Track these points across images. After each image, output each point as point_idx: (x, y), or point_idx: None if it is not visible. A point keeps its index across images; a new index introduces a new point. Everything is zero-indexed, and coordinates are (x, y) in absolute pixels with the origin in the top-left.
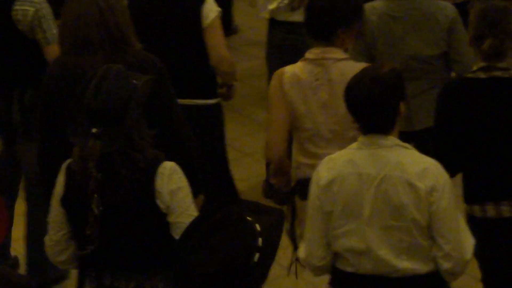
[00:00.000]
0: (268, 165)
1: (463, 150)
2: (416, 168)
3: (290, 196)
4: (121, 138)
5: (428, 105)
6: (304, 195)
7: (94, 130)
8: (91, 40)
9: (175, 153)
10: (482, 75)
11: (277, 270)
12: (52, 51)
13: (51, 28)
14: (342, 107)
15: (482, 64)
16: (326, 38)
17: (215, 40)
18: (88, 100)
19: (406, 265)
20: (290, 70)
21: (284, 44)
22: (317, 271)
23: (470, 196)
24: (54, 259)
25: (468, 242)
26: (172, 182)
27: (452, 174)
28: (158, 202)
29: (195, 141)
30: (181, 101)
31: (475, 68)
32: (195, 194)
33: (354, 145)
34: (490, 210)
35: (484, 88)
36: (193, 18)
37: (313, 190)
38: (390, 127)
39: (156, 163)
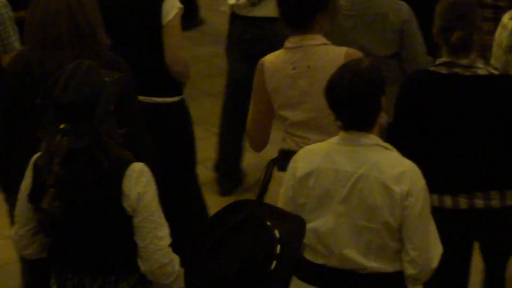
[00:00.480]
0: None
1: (422, 141)
2: (393, 171)
3: (268, 165)
4: (89, 135)
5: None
6: (283, 167)
7: (62, 126)
8: (61, 37)
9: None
10: (443, 70)
11: None
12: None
13: (10, 36)
14: (321, 95)
15: (445, 59)
16: (305, 25)
17: (172, 40)
18: (56, 94)
19: (374, 264)
20: (269, 59)
21: (243, 38)
22: None
23: (429, 186)
24: (21, 252)
25: (436, 251)
26: (139, 185)
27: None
28: (125, 204)
29: (151, 145)
30: (141, 98)
31: (438, 62)
32: None
33: (335, 139)
34: (447, 201)
35: (444, 83)
36: (154, 14)
37: (288, 179)
38: (371, 123)
39: (125, 164)
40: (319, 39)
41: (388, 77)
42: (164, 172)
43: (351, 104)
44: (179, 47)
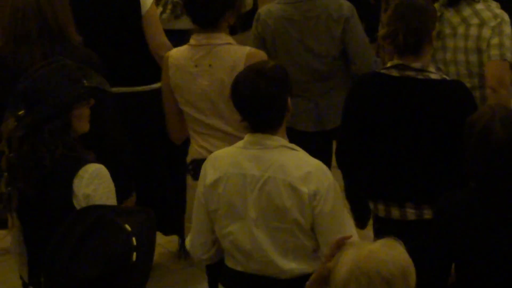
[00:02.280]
0: None
1: (367, 146)
2: (299, 171)
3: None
4: (27, 127)
5: (336, 103)
6: (196, 176)
7: (20, 112)
8: (30, 33)
9: (105, 153)
10: (395, 73)
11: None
12: None
13: None
14: (221, 93)
15: (396, 61)
16: (213, 23)
17: (153, 28)
18: (20, 80)
19: (293, 265)
20: (174, 55)
21: None
22: (203, 262)
23: (374, 193)
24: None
25: None
26: (89, 187)
27: (349, 170)
28: (75, 203)
29: (127, 143)
30: (123, 89)
31: (389, 64)
32: (127, 193)
33: (241, 143)
34: (394, 212)
35: (395, 86)
36: (133, 6)
37: (199, 187)
38: (278, 124)
39: (79, 164)
40: (224, 38)
41: (340, 77)
42: (145, 157)
43: (254, 103)
44: (161, 33)
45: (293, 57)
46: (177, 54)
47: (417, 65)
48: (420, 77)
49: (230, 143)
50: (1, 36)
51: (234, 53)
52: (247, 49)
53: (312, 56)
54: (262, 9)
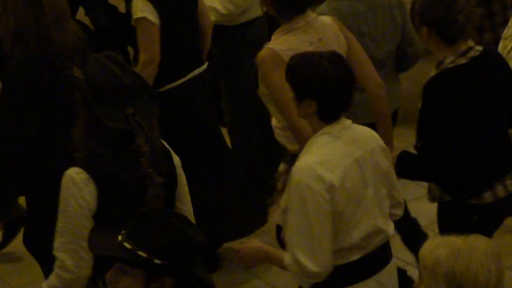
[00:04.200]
0: None
1: (456, 143)
2: (375, 133)
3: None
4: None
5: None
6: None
7: (129, 110)
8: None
9: None
10: (462, 60)
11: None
12: None
13: None
14: None
15: (455, 51)
16: (310, 4)
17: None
18: (117, 78)
19: (391, 226)
20: (282, 47)
21: None
22: (323, 277)
23: (468, 187)
24: None
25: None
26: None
27: (445, 171)
28: None
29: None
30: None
31: (448, 60)
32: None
33: (326, 138)
34: (499, 190)
35: (469, 71)
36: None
37: (319, 198)
38: None
39: None
40: (312, 13)
41: (389, 66)
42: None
43: (351, 88)
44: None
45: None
46: (283, 45)
47: (471, 43)
48: (476, 53)
49: None
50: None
51: (325, 22)
52: (326, 17)
53: (376, 46)
54: (326, 9)
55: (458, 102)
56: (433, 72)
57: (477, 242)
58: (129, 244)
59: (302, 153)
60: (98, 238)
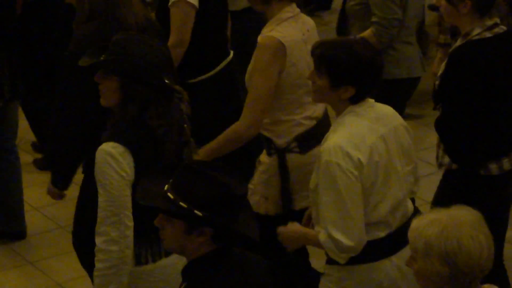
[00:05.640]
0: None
1: (471, 112)
2: (395, 111)
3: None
4: None
5: None
6: (305, 148)
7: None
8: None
9: None
10: (488, 34)
11: None
12: None
13: None
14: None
15: (483, 24)
16: None
17: None
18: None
19: (410, 203)
20: (283, 35)
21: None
22: (357, 252)
23: (483, 155)
24: None
25: None
26: None
27: (457, 137)
28: None
29: None
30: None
31: (475, 32)
32: None
33: (352, 117)
34: (506, 164)
35: (493, 46)
36: None
37: (349, 174)
38: None
39: None
40: (295, 7)
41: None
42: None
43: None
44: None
45: (414, 5)
46: (285, 34)
47: (497, 20)
48: (502, 31)
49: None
50: None
51: (308, 18)
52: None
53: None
54: None
55: (479, 73)
56: (459, 42)
57: (460, 214)
58: (172, 194)
59: (330, 132)
60: (145, 188)
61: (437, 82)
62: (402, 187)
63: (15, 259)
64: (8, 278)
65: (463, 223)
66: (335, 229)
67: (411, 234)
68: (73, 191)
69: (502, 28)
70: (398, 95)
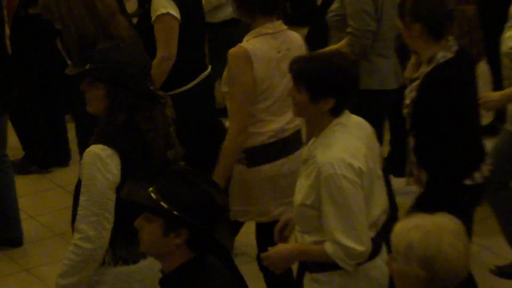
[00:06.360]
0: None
1: (451, 129)
2: (366, 121)
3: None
4: None
5: None
6: (253, 162)
7: None
8: None
9: None
10: (449, 54)
11: None
12: None
13: None
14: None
15: (445, 46)
16: (277, 11)
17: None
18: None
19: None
20: (253, 47)
21: None
22: (365, 257)
23: (462, 170)
24: None
25: None
26: None
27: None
28: None
29: None
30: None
31: (440, 54)
32: None
33: (340, 128)
34: (477, 177)
35: (459, 64)
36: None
37: (354, 184)
38: None
39: None
40: (284, 24)
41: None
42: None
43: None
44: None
45: (390, 18)
46: (255, 46)
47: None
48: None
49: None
50: None
51: (296, 36)
52: (294, 32)
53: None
54: None
55: (454, 94)
56: (424, 68)
57: (443, 221)
58: (155, 195)
59: (320, 146)
60: (130, 187)
61: (406, 110)
62: (384, 189)
63: (11, 266)
64: (5, 285)
65: (444, 229)
66: (346, 237)
67: (394, 235)
68: (68, 201)
69: (455, 45)
70: (369, 106)
